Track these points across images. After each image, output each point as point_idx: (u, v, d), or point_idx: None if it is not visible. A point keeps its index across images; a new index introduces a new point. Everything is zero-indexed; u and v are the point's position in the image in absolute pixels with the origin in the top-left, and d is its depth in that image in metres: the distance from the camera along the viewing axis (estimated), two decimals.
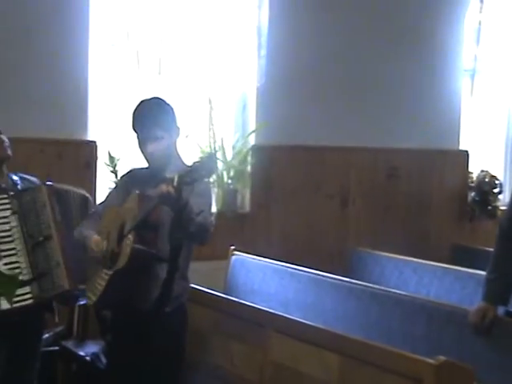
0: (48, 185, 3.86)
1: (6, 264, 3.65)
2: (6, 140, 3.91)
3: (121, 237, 3.32)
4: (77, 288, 3.77)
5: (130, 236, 3.24)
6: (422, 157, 6.45)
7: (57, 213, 3.79)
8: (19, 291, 3.60)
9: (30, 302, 3.65)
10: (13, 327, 3.71)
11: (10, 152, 3.90)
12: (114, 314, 3.55)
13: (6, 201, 3.74)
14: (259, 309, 3.86)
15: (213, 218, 3.49)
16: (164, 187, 3.03)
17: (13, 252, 3.71)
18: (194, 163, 2.99)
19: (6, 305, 3.52)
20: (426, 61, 6.42)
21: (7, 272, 3.42)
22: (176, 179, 2.99)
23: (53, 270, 3.72)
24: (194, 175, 2.96)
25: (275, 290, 4.81)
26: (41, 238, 3.74)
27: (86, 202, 3.94)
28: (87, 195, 4.01)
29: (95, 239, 3.44)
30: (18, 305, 3.55)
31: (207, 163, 2.97)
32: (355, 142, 6.10)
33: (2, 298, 3.45)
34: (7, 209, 3.74)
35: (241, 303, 4.01)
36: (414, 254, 5.46)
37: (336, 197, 6.09)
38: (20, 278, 3.64)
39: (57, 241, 3.75)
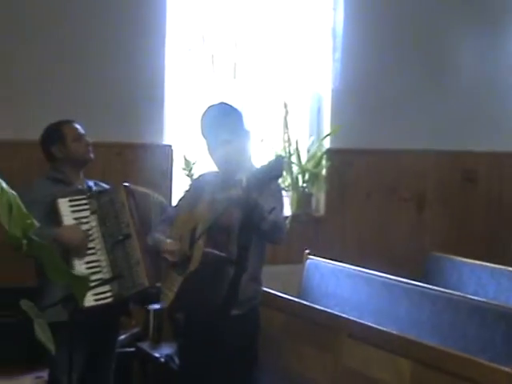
0: (126, 186, 3.95)
1: (86, 263, 3.74)
2: (90, 143, 4.03)
3: (193, 240, 3.35)
4: (155, 286, 3.83)
5: (202, 239, 3.28)
6: (501, 160, 6.31)
7: (135, 213, 3.87)
8: (100, 289, 3.70)
9: (110, 300, 3.73)
10: (90, 328, 3.79)
11: (92, 155, 4.02)
12: (187, 316, 3.59)
13: (85, 201, 3.84)
14: (332, 313, 3.84)
15: (286, 219, 3.49)
16: (233, 190, 3.06)
17: (93, 251, 3.80)
18: (263, 166, 3.01)
19: (90, 302, 3.63)
20: (508, 60, 6.29)
21: (85, 271, 3.54)
22: (244, 181, 3.01)
23: (133, 268, 3.80)
24: (261, 177, 2.98)
25: (349, 295, 4.78)
26: (120, 237, 3.82)
27: (162, 207, 4.00)
28: (164, 201, 4.09)
29: (169, 243, 3.48)
30: (99, 303, 3.66)
31: (275, 165, 2.98)
32: (432, 144, 6.02)
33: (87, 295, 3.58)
34: (86, 209, 3.84)
35: (314, 307, 4.00)
36: (491, 259, 5.35)
37: (412, 201, 6.02)
38: (100, 276, 3.74)
39: (136, 240, 3.82)
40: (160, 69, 5.14)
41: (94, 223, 3.83)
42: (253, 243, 3.29)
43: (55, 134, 3.98)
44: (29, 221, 1.94)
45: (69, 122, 4.05)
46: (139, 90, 5.07)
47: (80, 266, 3.71)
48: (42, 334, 1.90)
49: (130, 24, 5.02)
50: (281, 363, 3.96)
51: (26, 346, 4.06)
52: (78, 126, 4.05)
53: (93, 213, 3.84)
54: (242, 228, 3.21)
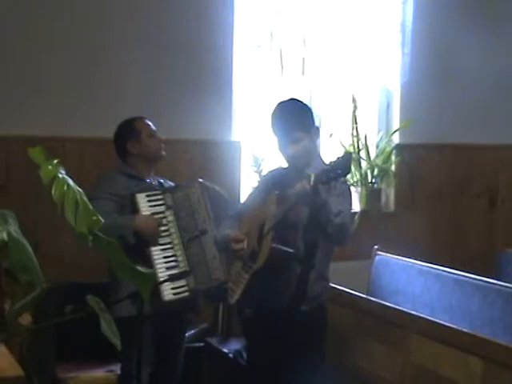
0: (200, 182, 3.99)
1: (164, 257, 3.80)
2: (163, 140, 4.08)
3: (260, 236, 3.36)
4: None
5: (269, 235, 3.28)
6: None
7: (209, 209, 3.91)
8: (178, 283, 3.76)
9: (187, 294, 3.78)
10: (159, 323, 3.84)
11: (164, 153, 4.07)
12: (255, 312, 3.59)
13: (160, 196, 3.90)
14: (401, 310, 3.79)
15: (352, 220, 3.46)
16: (301, 186, 3.04)
17: (170, 246, 3.86)
18: (331, 162, 2.98)
19: (169, 296, 3.69)
20: None
21: (164, 265, 3.58)
22: (312, 178, 3.00)
23: (209, 262, 3.85)
24: (330, 174, 2.96)
25: (420, 292, 4.70)
26: (196, 233, 3.87)
27: (230, 205, 4.02)
28: (229, 199, 4.11)
29: (235, 232, 3.49)
30: (178, 296, 3.74)
31: (343, 162, 2.96)
32: (504, 139, 5.89)
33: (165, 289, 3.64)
34: (162, 204, 3.89)
35: (383, 304, 3.96)
36: None
37: (484, 196, 5.90)
38: (177, 271, 3.81)
39: (212, 235, 3.85)
40: (228, 65, 5.15)
41: (170, 218, 3.90)
42: (320, 241, 3.28)
43: (130, 130, 4.04)
44: (94, 217, 1.97)
45: (142, 119, 4.11)
46: (207, 87, 5.09)
47: (159, 260, 3.78)
48: (108, 328, 1.93)
49: (198, 20, 5.03)
50: (349, 360, 3.93)
51: (98, 340, 4.12)
52: (150, 123, 4.11)
53: (168, 208, 3.90)
54: (308, 225, 3.21)
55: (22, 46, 4.66)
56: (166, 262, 3.79)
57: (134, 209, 3.84)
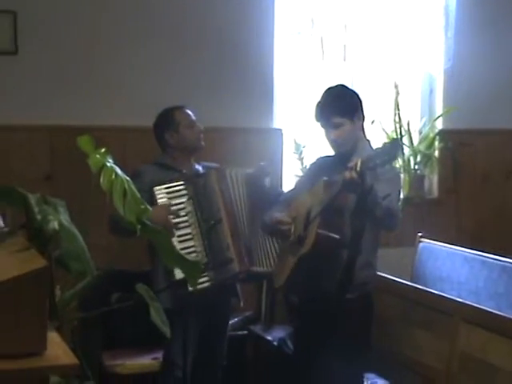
0: (217, 169, 3.95)
1: (182, 248, 3.75)
2: (202, 130, 4.06)
3: (307, 222, 3.35)
4: (248, 270, 3.82)
5: (316, 221, 3.26)
6: None
7: (226, 196, 3.87)
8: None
9: (207, 285, 3.75)
10: (201, 311, 3.84)
11: (203, 143, 4.05)
12: (301, 299, 3.58)
13: (183, 187, 3.87)
14: (447, 297, 3.76)
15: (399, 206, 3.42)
16: (347, 173, 3.03)
17: (189, 237, 3.83)
18: (377, 148, 2.97)
19: (189, 287, 3.67)
20: None
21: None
22: (359, 164, 2.98)
23: (224, 252, 3.81)
24: (376, 160, 2.95)
25: (465, 279, 4.65)
26: (212, 222, 3.83)
27: (252, 180, 3.96)
28: (252, 172, 4.02)
29: (281, 217, 3.47)
30: (197, 288, 3.68)
31: (390, 148, 2.94)
32: None
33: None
34: (184, 195, 3.87)
35: (429, 292, 3.92)
36: None
37: None
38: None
39: (226, 224, 3.82)
40: (269, 52, 5.13)
41: (189, 208, 3.85)
42: (367, 228, 3.26)
43: (168, 120, 4.03)
44: (142, 206, 1.98)
45: (182, 108, 4.09)
46: (248, 74, 5.08)
47: None
48: (157, 317, 1.94)
49: (239, 7, 5.02)
50: (394, 348, 3.91)
51: (143, 328, 4.15)
52: (190, 113, 4.08)
53: (189, 198, 3.86)
54: (355, 211, 3.19)
55: (68, 37, 4.70)
56: (185, 254, 3.73)
57: (153, 203, 3.79)
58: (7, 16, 4.55)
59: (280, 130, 5.21)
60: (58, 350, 1.48)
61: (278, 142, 5.20)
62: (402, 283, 4.09)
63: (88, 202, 4.31)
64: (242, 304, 4.16)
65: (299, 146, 5.29)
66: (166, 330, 1.89)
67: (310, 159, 4.89)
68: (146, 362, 4.21)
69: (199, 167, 4.10)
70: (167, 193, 3.84)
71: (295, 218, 3.45)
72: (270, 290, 4.65)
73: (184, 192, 3.86)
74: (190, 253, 3.76)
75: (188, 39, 4.94)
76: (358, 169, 3.00)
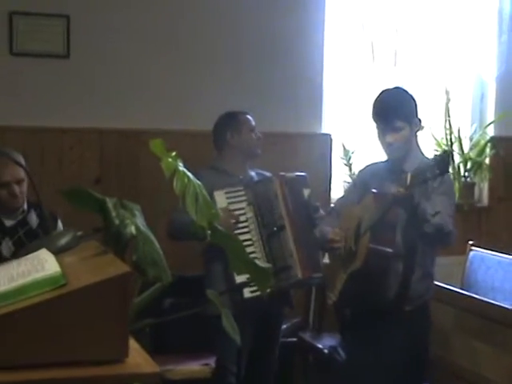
0: (280, 175, 3.92)
1: None
2: (261, 137, 4.04)
3: (358, 236, 3.29)
4: (311, 277, 3.79)
5: (367, 236, 3.21)
6: None
7: (289, 203, 3.84)
8: None
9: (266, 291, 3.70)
10: (255, 318, 3.81)
11: (260, 151, 4.03)
12: (354, 312, 3.52)
13: (242, 192, 3.86)
14: (507, 308, 3.67)
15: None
16: (397, 189, 2.97)
17: (249, 242, 3.81)
18: (428, 161, 2.91)
19: (247, 294, 3.63)
20: None
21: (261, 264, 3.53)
22: (409, 179, 2.92)
23: (287, 259, 3.77)
24: (427, 174, 2.88)
25: None
26: (275, 229, 3.81)
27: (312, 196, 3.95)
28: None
29: (334, 231, 3.43)
30: (255, 294, 3.64)
31: (441, 161, 2.87)
32: None
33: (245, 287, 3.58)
34: (243, 200, 3.84)
35: (486, 302, 3.86)
36: None
37: None
38: None
39: (290, 231, 3.79)
40: (319, 57, 5.08)
41: (249, 214, 3.84)
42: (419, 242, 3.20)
43: (232, 121, 4.04)
44: (213, 211, 1.94)
45: (245, 113, 4.10)
46: (297, 79, 5.04)
47: None
48: (228, 324, 1.90)
49: (289, 11, 4.98)
50: (451, 359, 3.84)
51: (194, 333, 4.12)
52: (251, 119, 4.09)
53: (249, 204, 3.85)
54: (407, 226, 3.13)
55: (120, 41, 4.70)
56: None
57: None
58: (60, 20, 4.57)
59: (329, 135, 5.17)
60: (138, 358, 1.45)
61: (327, 148, 5.15)
62: (458, 292, 4.04)
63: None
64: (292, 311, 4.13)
65: (348, 151, 5.24)
66: (237, 338, 1.85)
67: (358, 165, 4.84)
68: (197, 367, 4.17)
69: (253, 174, 4.09)
70: (227, 197, 3.82)
71: (345, 231, 3.40)
72: (319, 298, 4.60)
73: (244, 198, 3.85)
74: None
75: (239, 46, 4.92)
76: (409, 183, 2.94)
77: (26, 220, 3.70)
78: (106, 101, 4.68)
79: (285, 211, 3.84)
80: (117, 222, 1.58)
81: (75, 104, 4.63)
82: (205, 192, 1.94)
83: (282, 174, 3.98)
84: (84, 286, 1.41)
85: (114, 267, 1.46)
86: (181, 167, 1.90)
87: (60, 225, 3.79)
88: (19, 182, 3.60)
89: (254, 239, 3.82)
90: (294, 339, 4.59)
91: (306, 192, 3.96)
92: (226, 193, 3.84)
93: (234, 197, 3.85)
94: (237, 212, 3.83)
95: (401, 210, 3.12)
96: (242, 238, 3.78)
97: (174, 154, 1.96)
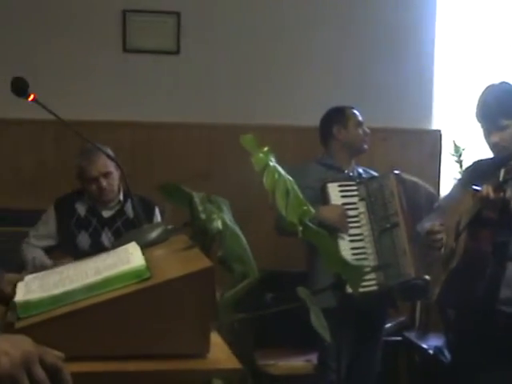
0: (396, 173, 3.87)
1: (352, 248, 3.73)
2: (368, 133, 4.01)
3: (457, 233, 3.20)
4: (422, 277, 3.72)
5: (464, 233, 3.12)
6: None
7: (404, 202, 3.79)
8: (366, 277, 3.64)
9: (374, 288, 3.68)
10: (358, 316, 3.77)
11: (366, 146, 4.00)
12: (457, 312, 3.43)
13: (354, 187, 3.83)
14: None
15: None
16: (485, 188, 2.86)
17: (360, 237, 3.79)
18: None
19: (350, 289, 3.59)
20: None
21: (351, 257, 3.51)
22: (502, 174, 2.81)
23: (399, 257, 3.73)
24: None
25: None
26: (388, 225, 3.77)
27: (432, 198, 3.88)
28: (434, 192, 3.97)
29: (431, 226, 3.35)
30: (363, 290, 3.60)
31: None
32: None
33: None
34: (355, 195, 3.82)
35: None
36: None
37: None
38: (366, 263, 3.70)
39: (404, 229, 3.74)
40: (429, 51, 5.00)
41: (362, 209, 3.82)
42: None
43: (339, 115, 4.04)
44: (305, 207, 1.92)
45: (352, 108, 4.08)
46: (407, 74, 4.98)
47: (346, 252, 3.70)
48: (317, 322, 1.88)
49: (399, 6, 4.93)
50: None
51: (297, 329, 4.12)
52: (359, 114, 4.06)
53: (361, 199, 3.83)
54: (499, 224, 3.01)
55: (228, 37, 4.75)
56: (353, 254, 3.70)
57: (325, 199, 3.78)
58: (171, 17, 4.66)
59: (439, 131, 5.07)
60: (219, 353, 1.45)
61: (436, 144, 5.05)
62: None
63: (242, 201, 4.32)
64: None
65: (458, 148, 5.11)
66: (326, 336, 1.82)
67: (469, 162, 4.71)
68: (299, 363, 4.17)
69: (361, 170, 4.05)
70: (340, 191, 3.81)
71: (447, 229, 3.31)
72: (425, 299, 4.51)
73: (356, 192, 3.83)
74: (359, 253, 3.74)
75: (350, 41, 4.91)
76: (501, 179, 2.82)
77: (123, 210, 3.83)
78: (215, 96, 4.74)
79: (400, 209, 3.79)
80: (203, 216, 1.59)
81: (184, 100, 4.71)
82: (296, 188, 1.93)
83: (398, 172, 3.92)
84: (166, 280, 1.42)
85: (197, 262, 1.47)
86: (272, 163, 1.89)
87: (157, 214, 3.88)
88: (106, 175, 3.72)
89: (365, 234, 3.80)
90: (399, 338, 4.52)
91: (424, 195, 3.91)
92: (340, 186, 3.83)
93: (347, 191, 3.84)
94: (349, 206, 3.82)
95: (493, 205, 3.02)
96: (353, 232, 3.77)
97: (265, 149, 1.95)
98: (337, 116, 4.04)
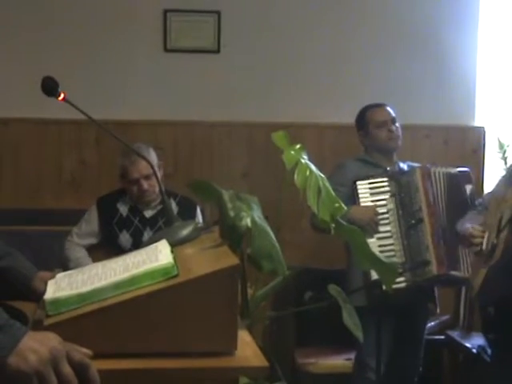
0: (422, 167, 3.82)
1: (380, 246, 3.69)
2: (394, 130, 3.95)
3: (499, 230, 3.16)
4: (447, 274, 3.68)
5: (506, 229, 3.07)
6: None
7: (430, 196, 3.73)
8: None
9: (403, 285, 3.64)
10: (397, 313, 3.74)
11: (393, 143, 3.95)
12: (497, 310, 3.38)
13: (386, 183, 3.80)
14: None
15: None
16: None
17: (388, 234, 3.75)
18: None
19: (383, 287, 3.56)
20: None
21: (386, 259, 3.46)
22: None
23: (422, 253, 3.67)
24: None
25: None
26: (413, 221, 3.72)
27: (472, 191, 3.82)
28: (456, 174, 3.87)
29: (473, 227, 3.31)
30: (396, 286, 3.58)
31: None
32: None
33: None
34: (386, 191, 3.78)
35: None
36: None
37: None
38: (394, 260, 3.64)
39: (428, 224, 3.69)
40: (472, 47, 4.93)
41: (391, 206, 3.77)
42: None
43: (360, 120, 4.06)
44: (337, 204, 1.92)
45: (375, 108, 4.02)
46: (450, 70, 4.92)
47: (374, 249, 3.65)
48: (350, 320, 1.87)
49: (443, 3, 4.86)
50: None
51: (337, 327, 4.10)
52: (386, 112, 3.99)
53: (392, 195, 3.78)
54: None
55: (268, 36, 4.75)
56: (381, 252, 3.63)
57: (355, 197, 3.75)
58: (211, 16, 4.67)
59: (482, 127, 5.00)
60: (247, 351, 1.45)
61: (480, 141, 4.99)
62: None
63: (283, 198, 4.32)
64: (438, 310, 4.02)
65: (503, 145, 5.03)
66: (359, 334, 1.82)
67: None
68: (339, 362, 4.15)
69: (404, 165, 4.01)
70: (370, 188, 3.78)
71: (489, 226, 3.27)
72: (469, 296, 4.45)
73: (387, 189, 3.80)
74: (387, 251, 3.69)
75: (392, 37, 4.86)
76: None
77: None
78: (255, 95, 4.74)
79: (425, 204, 3.73)
80: (232, 214, 1.59)
81: (224, 98, 4.72)
82: (328, 185, 1.92)
83: (428, 165, 3.88)
84: (192, 277, 1.42)
85: (224, 259, 1.47)
86: (303, 160, 1.89)
87: (199, 213, 3.89)
88: (147, 176, 3.72)
89: (393, 231, 3.76)
90: (442, 337, 4.47)
91: (468, 188, 3.83)
92: (370, 183, 3.80)
93: (377, 187, 3.79)
94: (379, 203, 3.78)
95: None
96: (382, 229, 3.73)
97: (298, 146, 1.95)
98: (358, 121, 4.04)
